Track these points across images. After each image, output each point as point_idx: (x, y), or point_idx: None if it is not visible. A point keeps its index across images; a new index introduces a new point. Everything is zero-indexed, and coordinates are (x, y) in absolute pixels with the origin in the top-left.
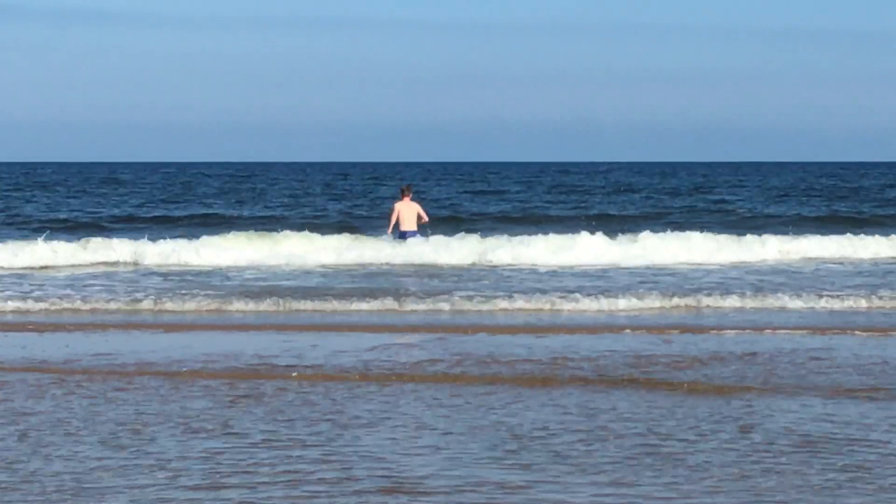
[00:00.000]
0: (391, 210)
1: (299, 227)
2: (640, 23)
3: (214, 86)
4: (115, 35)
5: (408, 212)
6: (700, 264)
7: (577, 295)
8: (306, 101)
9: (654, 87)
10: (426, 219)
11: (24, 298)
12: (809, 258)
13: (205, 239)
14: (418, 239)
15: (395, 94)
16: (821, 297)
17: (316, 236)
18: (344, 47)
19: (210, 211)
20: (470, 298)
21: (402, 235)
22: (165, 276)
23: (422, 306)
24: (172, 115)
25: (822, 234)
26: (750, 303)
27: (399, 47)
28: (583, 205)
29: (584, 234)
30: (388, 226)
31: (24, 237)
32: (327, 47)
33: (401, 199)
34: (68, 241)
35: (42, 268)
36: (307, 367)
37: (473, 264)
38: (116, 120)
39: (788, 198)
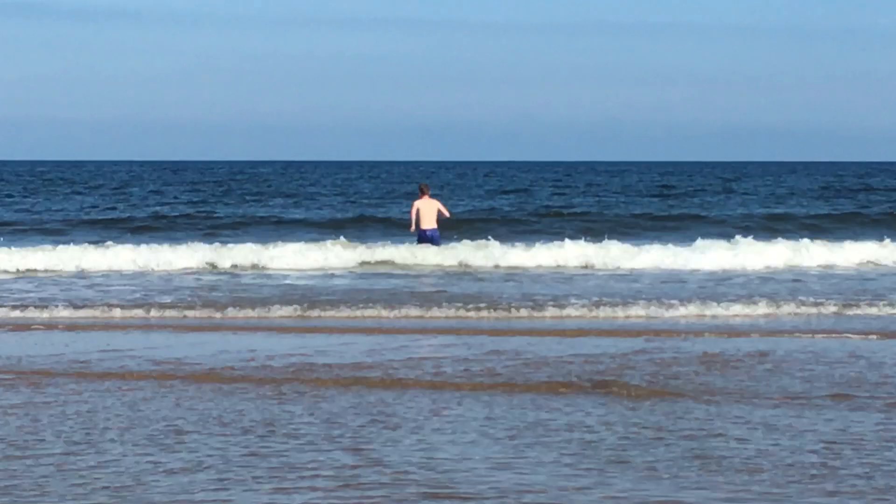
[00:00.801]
0: (411, 208)
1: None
2: (668, 22)
3: (239, 85)
4: (141, 34)
5: (428, 209)
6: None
7: None
8: (331, 101)
9: (674, 88)
10: (447, 213)
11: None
12: None
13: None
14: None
15: (418, 92)
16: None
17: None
18: (370, 47)
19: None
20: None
21: (423, 234)
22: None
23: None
24: (195, 114)
25: None
26: None
27: (425, 47)
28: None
29: None
30: (411, 224)
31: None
32: (355, 47)
33: (419, 197)
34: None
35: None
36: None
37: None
38: (136, 118)
39: None
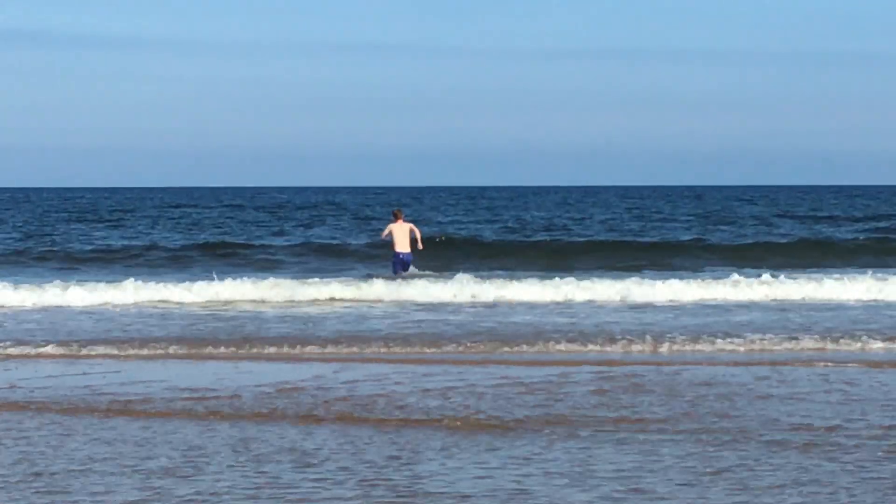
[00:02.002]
0: (384, 229)
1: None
2: (665, 48)
3: (241, 112)
4: (145, 61)
5: (401, 233)
6: None
7: None
8: (332, 127)
9: (670, 112)
10: (419, 236)
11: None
12: None
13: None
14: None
15: (420, 118)
16: None
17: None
18: (371, 73)
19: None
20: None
21: (397, 257)
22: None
23: None
24: (196, 140)
25: None
26: None
27: (427, 72)
28: None
29: None
30: (382, 233)
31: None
32: (355, 73)
33: (394, 221)
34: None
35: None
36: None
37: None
38: (138, 145)
39: None
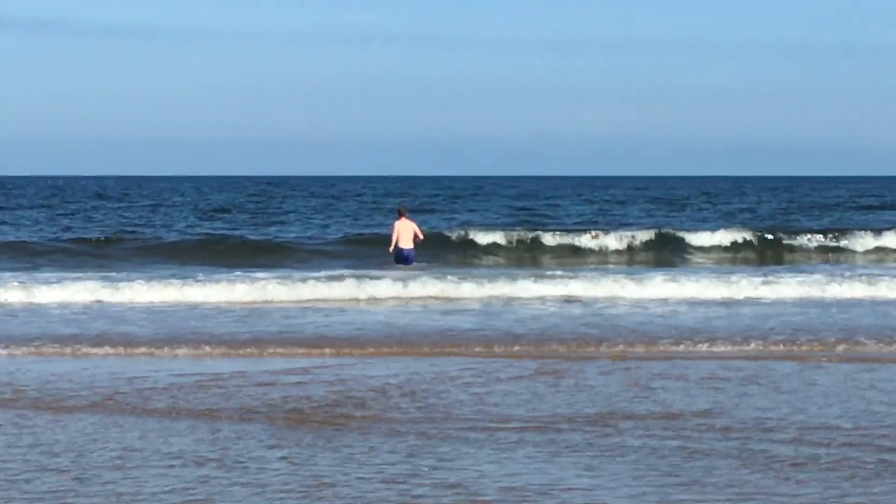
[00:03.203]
0: (392, 229)
1: None
2: (680, 39)
3: (255, 101)
4: (157, 50)
5: (405, 230)
6: None
7: None
8: (356, 116)
9: (684, 104)
10: (421, 237)
11: None
12: None
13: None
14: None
15: (438, 109)
16: None
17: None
18: (386, 63)
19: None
20: None
21: (400, 252)
22: None
23: None
24: (211, 130)
25: None
26: None
27: (443, 63)
28: None
29: None
30: (391, 244)
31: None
32: (368, 63)
33: (398, 218)
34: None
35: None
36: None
37: None
38: (155, 135)
39: None
